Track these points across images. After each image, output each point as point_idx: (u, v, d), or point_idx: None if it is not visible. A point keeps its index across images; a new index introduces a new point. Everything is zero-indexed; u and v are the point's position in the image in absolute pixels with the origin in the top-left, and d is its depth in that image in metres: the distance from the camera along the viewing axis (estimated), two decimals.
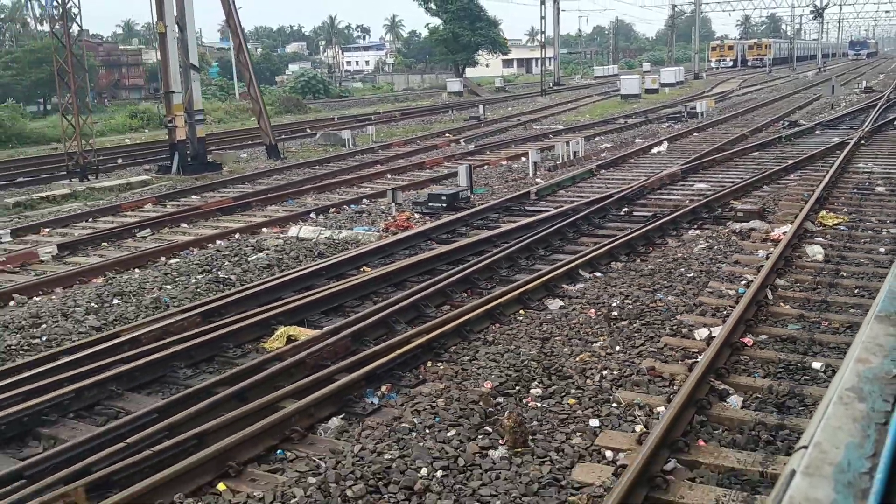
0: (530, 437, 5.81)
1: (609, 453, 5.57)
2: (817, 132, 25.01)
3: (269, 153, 25.26)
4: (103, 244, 13.42)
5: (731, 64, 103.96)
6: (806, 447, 1.91)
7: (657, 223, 12.46)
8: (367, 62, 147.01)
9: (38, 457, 5.62)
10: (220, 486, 5.40)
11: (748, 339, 7.50)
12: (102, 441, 5.82)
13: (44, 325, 8.94)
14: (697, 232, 12.21)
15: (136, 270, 11.44)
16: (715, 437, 5.76)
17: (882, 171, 16.98)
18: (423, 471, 5.44)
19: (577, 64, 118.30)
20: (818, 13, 79.05)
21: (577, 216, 13.33)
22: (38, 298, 10.25)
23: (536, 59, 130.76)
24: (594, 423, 6.03)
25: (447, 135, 30.49)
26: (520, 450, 5.67)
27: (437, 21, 65.82)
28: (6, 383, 6.88)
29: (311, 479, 5.36)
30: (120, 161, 25.26)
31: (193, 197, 18.17)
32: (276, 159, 24.75)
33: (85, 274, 11.14)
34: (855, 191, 14.98)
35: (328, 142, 29.08)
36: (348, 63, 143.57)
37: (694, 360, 7.01)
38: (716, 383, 6.51)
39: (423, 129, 33.66)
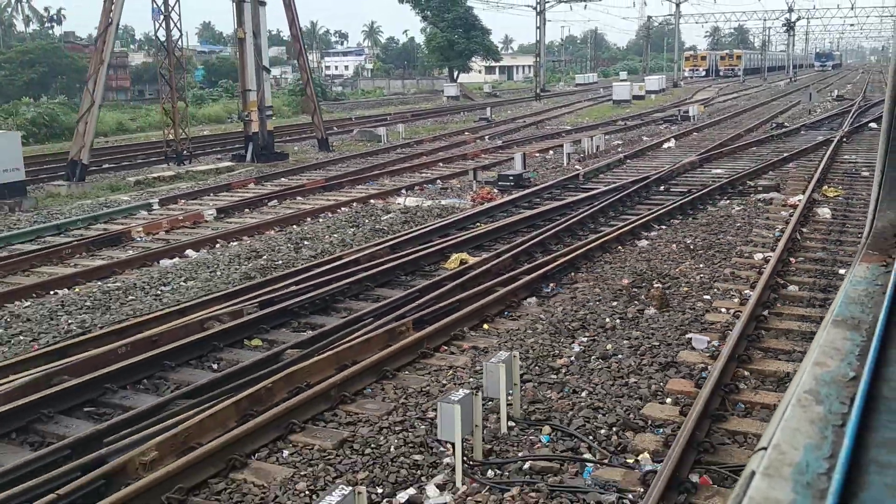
0: (669, 303, 9.09)
1: (723, 309, 8.88)
2: (802, 132, 28.63)
3: (321, 146, 28.33)
4: (246, 210, 16.49)
5: (703, 73, 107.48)
6: (765, 448, 1.94)
7: (696, 195, 15.82)
8: (346, 67, 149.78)
9: (368, 308, 8.80)
10: (485, 326, 8.61)
11: (792, 259, 10.85)
12: (394, 307, 8.98)
13: (266, 256, 12.05)
14: (728, 201, 15.59)
15: (294, 227, 14.53)
16: (787, 304, 9.07)
17: (864, 161, 20.53)
18: (607, 319, 8.68)
19: (559, 72, 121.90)
20: (790, 26, 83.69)
21: (627, 191, 16.62)
22: (234, 243, 13.32)
23: (516, 67, 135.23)
24: (706, 297, 9.33)
25: (466, 133, 33.64)
26: (665, 310, 8.94)
27: (416, 28, 69.14)
28: (298, 279, 10.03)
29: (542, 321, 8.58)
30: (185, 152, 28.14)
31: (283, 179, 21.21)
32: (328, 151, 27.82)
33: (260, 227, 14.25)
34: (845, 175, 18.48)
35: (365, 138, 32.19)
36: (328, 68, 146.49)
37: (760, 269, 10.33)
38: (778, 280, 9.83)
39: (441, 128, 36.78)
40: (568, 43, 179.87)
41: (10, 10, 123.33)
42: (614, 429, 6.05)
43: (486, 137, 31.57)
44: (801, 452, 1.91)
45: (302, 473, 5.60)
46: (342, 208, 16.20)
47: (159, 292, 10.33)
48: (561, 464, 5.56)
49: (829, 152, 21.32)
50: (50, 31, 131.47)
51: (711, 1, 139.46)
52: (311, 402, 6.51)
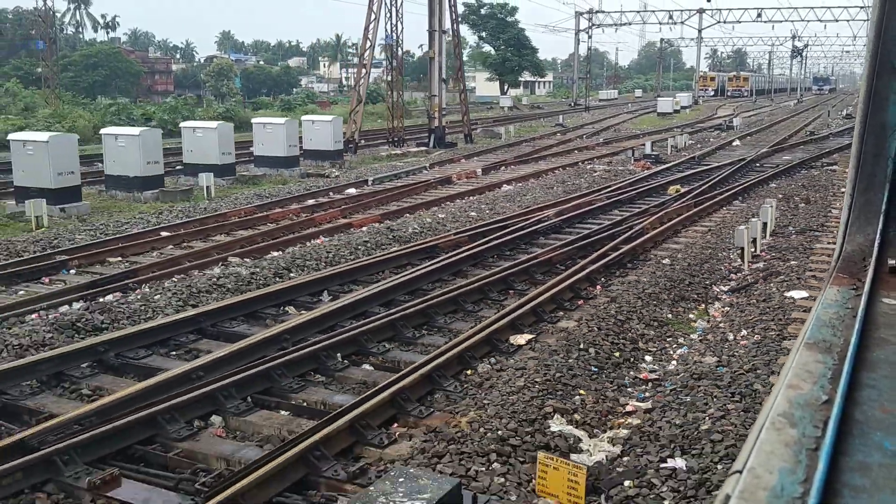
0: (811, 201, 18.05)
1: (836, 212, 17.83)
2: (832, 138, 37.71)
3: (466, 139, 37.22)
4: (491, 171, 25.34)
5: (712, 93, 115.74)
6: (740, 472, 1.98)
7: (785, 168, 24.80)
8: None
9: (658, 202, 17.74)
10: (724, 209, 17.53)
11: None
12: (674, 200, 17.87)
13: (554, 188, 20.85)
14: (807, 171, 24.59)
15: (542, 178, 23.31)
16: None
17: None
18: (782, 207, 17.60)
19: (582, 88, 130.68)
20: (798, 53, 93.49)
21: (737, 166, 25.54)
22: (520, 184, 22.08)
23: (536, 82, 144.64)
24: (826, 202, 18.30)
25: (558, 135, 42.37)
26: (809, 205, 17.88)
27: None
28: (606, 192, 18.93)
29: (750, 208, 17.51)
30: (362, 142, 36.84)
31: (475, 158, 29.98)
32: (472, 143, 36.69)
33: (524, 177, 23.10)
34: None
35: (487, 135, 41.09)
36: (347, 79, 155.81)
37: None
38: None
39: (532, 131, 45.39)
40: (571, 60, 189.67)
41: (68, 16, 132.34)
42: (820, 225, 15.04)
43: (584, 137, 40.47)
44: (775, 476, 1.94)
45: (703, 236, 14.51)
46: (556, 171, 25.03)
47: (523, 199, 19.13)
48: (807, 230, 14.54)
49: None
50: (81, 36, 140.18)
51: (717, 25, 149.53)
52: (681, 222, 15.45)
